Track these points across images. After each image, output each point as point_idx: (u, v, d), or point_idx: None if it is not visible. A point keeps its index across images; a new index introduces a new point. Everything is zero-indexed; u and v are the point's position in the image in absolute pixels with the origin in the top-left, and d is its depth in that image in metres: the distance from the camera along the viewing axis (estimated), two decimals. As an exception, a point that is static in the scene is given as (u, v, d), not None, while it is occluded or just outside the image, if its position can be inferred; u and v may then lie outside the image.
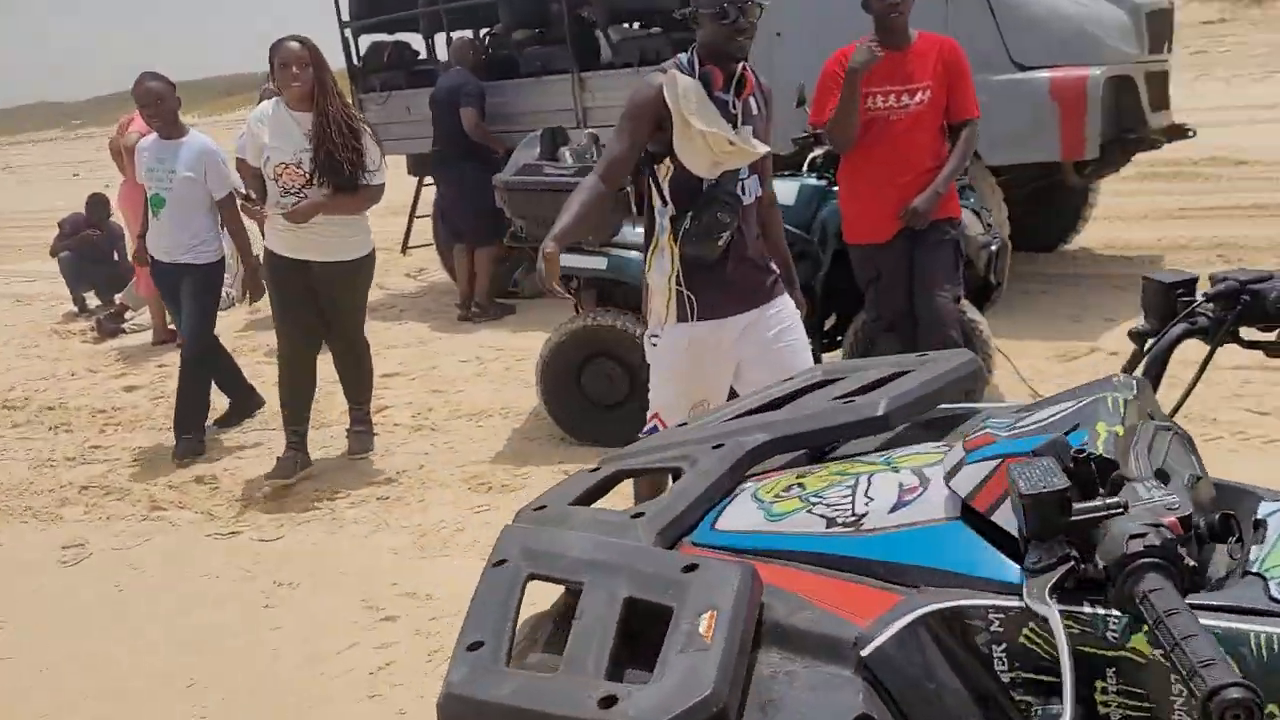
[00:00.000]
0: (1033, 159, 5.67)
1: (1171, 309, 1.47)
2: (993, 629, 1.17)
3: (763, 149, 3.02)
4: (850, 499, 1.39)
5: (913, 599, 1.21)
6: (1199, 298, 1.45)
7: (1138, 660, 1.10)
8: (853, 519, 1.35)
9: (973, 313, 4.48)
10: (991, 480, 1.23)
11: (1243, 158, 9.80)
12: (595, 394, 4.86)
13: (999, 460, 1.23)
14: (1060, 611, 1.14)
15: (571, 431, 4.92)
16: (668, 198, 3.02)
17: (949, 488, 1.31)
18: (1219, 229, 7.53)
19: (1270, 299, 1.38)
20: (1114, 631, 1.12)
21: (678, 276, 3.02)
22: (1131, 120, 5.75)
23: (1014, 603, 1.17)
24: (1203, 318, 1.41)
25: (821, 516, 1.39)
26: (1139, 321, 1.56)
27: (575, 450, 4.86)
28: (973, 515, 1.27)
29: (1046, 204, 6.68)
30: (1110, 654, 1.12)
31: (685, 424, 1.89)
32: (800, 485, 1.49)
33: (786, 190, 4.76)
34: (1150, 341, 1.48)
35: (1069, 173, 6.11)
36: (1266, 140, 10.63)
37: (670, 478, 1.80)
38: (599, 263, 4.73)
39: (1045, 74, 5.51)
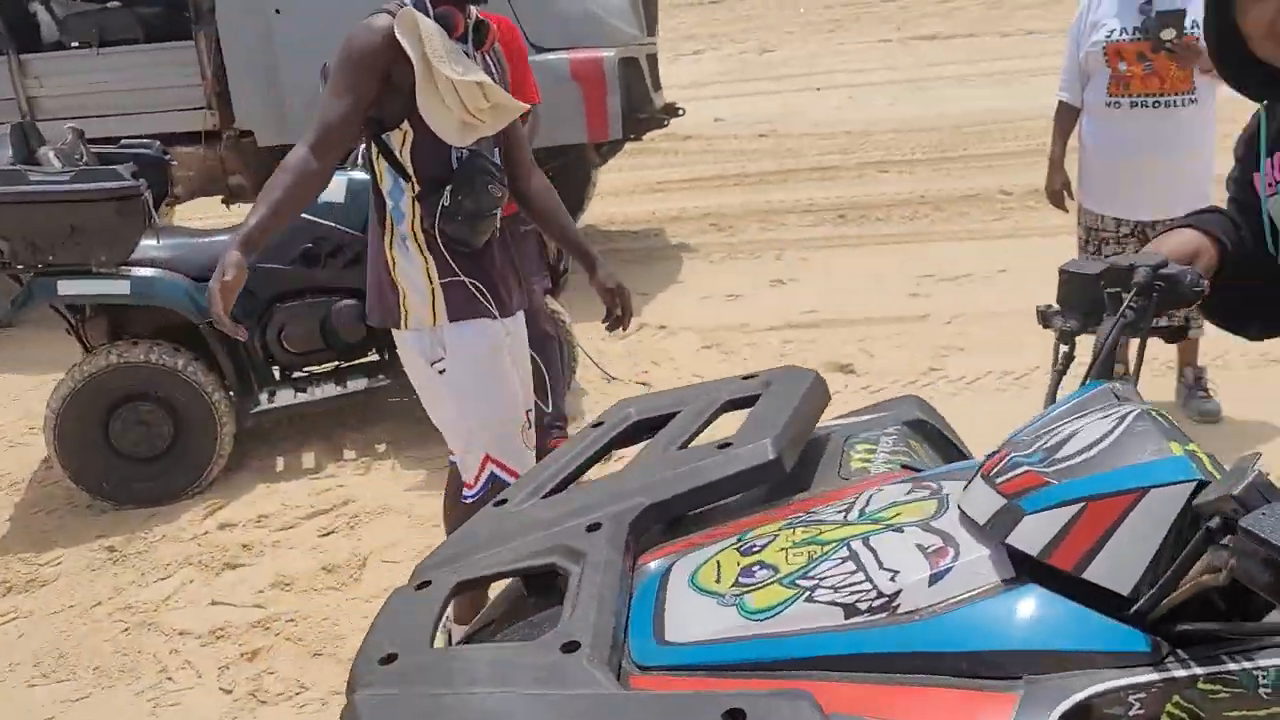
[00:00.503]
0: (560, 141, 5.63)
1: (1098, 301, 1.38)
2: (1133, 713, 0.97)
3: (523, 106, 2.48)
4: (861, 576, 1.11)
5: (1036, 694, 0.98)
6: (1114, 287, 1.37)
7: (1293, 711, 0.97)
8: (882, 601, 1.08)
9: (554, 304, 4.33)
10: (1075, 530, 1.03)
11: (687, 133, 10.74)
12: (130, 447, 3.99)
13: (1079, 505, 1.03)
14: (1205, 676, 0.97)
15: (104, 495, 4.01)
16: (410, 173, 2.40)
17: (1000, 544, 1.09)
18: (699, 199, 8.16)
19: (1185, 283, 1.33)
20: (1266, 687, 0.97)
21: (439, 266, 2.42)
22: (639, 100, 5.95)
23: (1156, 676, 0.98)
24: (1129, 309, 1.33)
25: (833, 604, 1.10)
26: (1060, 320, 1.45)
27: (114, 519, 3.96)
28: (1041, 573, 1.07)
29: (558, 185, 6.72)
30: (1263, 713, 0.98)
31: (504, 501, 1.48)
32: (766, 566, 1.18)
33: (334, 186, 4.24)
34: (1099, 339, 1.36)
35: (591, 154, 6.20)
36: (698, 116, 11.77)
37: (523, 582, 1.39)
38: (120, 287, 3.86)
39: (564, 55, 5.49)
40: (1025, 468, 1.11)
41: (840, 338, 5.18)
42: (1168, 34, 3.62)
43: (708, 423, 1.57)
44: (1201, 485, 1.00)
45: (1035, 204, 7.21)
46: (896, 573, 1.11)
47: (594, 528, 1.32)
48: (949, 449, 1.61)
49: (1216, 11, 1.44)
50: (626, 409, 1.66)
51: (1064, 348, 1.38)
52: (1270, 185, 1.48)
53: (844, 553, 1.16)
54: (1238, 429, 3.99)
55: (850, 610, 1.10)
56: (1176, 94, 3.72)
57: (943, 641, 1.05)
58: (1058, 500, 1.06)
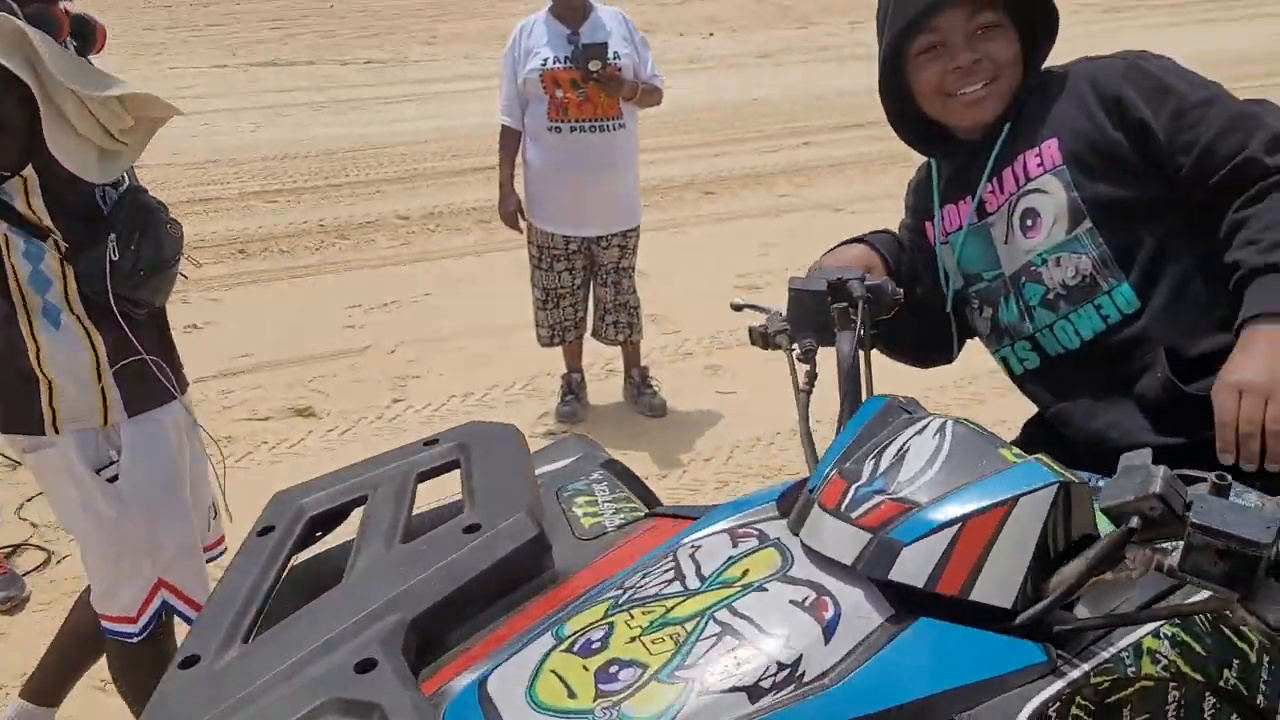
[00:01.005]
0: None
1: (826, 317, 1.37)
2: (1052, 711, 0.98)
3: (173, 108, 1.87)
4: (750, 649, 1.00)
5: None
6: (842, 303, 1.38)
7: (1147, 685, 1.05)
8: (785, 673, 0.98)
9: None
10: (957, 553, 1.02)
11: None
12: None
13: (956, 526, 1.02)
14: (1092, 670, 1.02)
15: None
16: (49, 227, 1.74)
17: (870, 581, 1.04)
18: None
19: (888, 293, 1.38)
20: (1132, 665, 1.04)
21: (112, 344, 1.81)
22: None
23: (1062, 684, 1.00)
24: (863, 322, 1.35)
25: (734, 690, 0.98)
26: (786, 338, 1.42)
27: None
28: (921, 603, 1.03)
29: None
30: (1131, 691, 1.04)
31: (195, 659, 1.10)
32: (626, 664, 1.01)
33: None
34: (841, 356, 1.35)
35: None
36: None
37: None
38: None
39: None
40: (878, 497, 1.07)
41: (286, 380, 4.81)
42: (594, 65, 3.87)
43: (412, 504, 1.32)
44: (1063, 486, 1.04)
45: (435, 227, 7.38)
46: (787, 637, 1.00)
47: (366, 666, 1.03)
48: (641, 487, 1.52)
49: (890, 72, 1.52)
50: (294, 504, 1.33)
51: (805, 367, 1.37)
52: (943, 234, 1.59)
53: (714, 628, 1.02)
54: (681, 418, 4.41)
55: (755, 692, 0.97)
56: (608, 119, 4.00)
57: (867, 702, 0.97)
58: (933, 525, 1.03)
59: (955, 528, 1.02)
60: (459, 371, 4.90)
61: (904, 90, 1.53)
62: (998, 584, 1.02)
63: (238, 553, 1.27)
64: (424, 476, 1.38)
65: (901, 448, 1.11)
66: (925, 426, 1.13)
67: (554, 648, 1.06)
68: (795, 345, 1.40)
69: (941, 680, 0.98)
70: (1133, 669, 1.04)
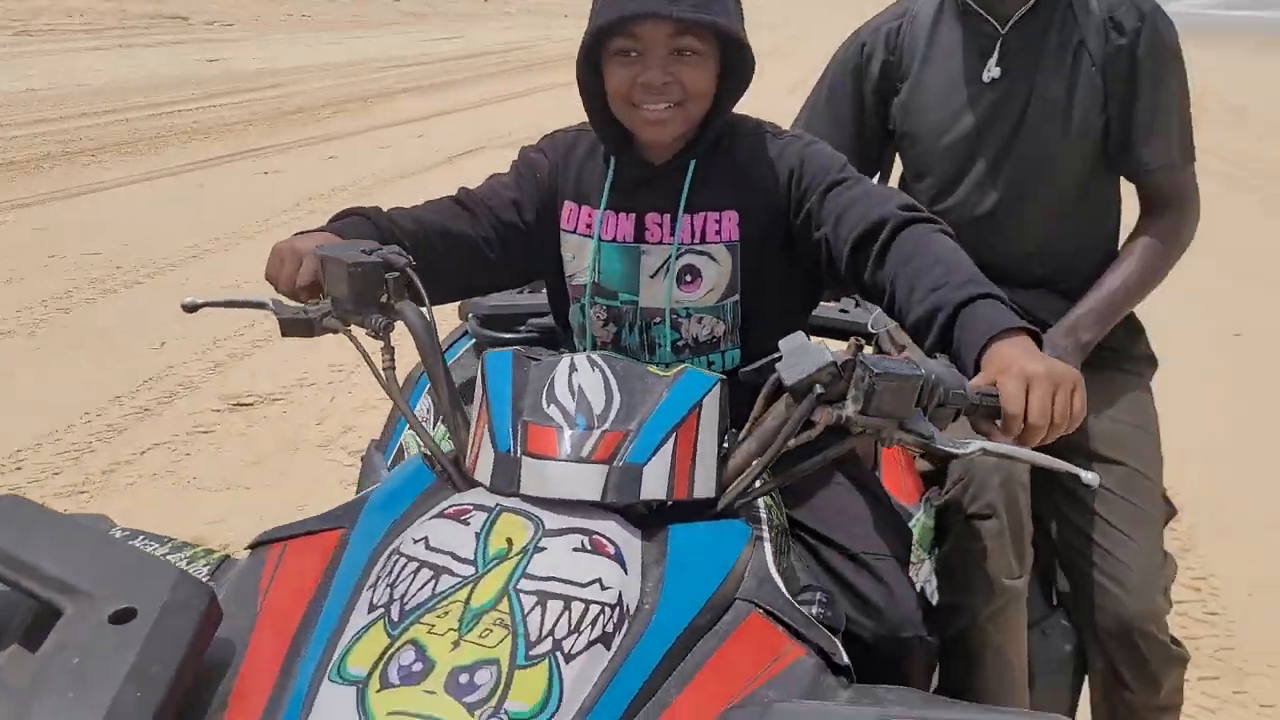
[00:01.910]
0: None
1: (382, 290, 1.24)
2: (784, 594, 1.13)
3: None
4: (578, 605, 0.99)
5: (789, 612, 1.07)
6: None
7: (775, 535, 1.27)
8: (618, 611, 1.02)
9: None
10: (678, 461, 1.14)
11: None
12: None
13: (671, 437, 1.13)
14: (771, 536, 1.21)
15: None
16: None
17: (613, 510, 1.07)
18: None
19: (399, 260, 1.32)
20: (771, 520, 1.27)
21: None
22: None
23: (770, 550, 1.17)
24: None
25: (590, 646, 0.98)
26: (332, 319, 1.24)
27: None
28: (659, 514, 1.10)
29: None
30: (777, 541, 1.25)
31: None
32: (474, 666, 0.93)
33: None
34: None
35: None
36: None
37: None
38: None
39: None
40: (594, 432, 1.08)
41: None
42: None
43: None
44: (722, 382, 1.17)
45: None
46: (599, 580, 0.97)
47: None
48: None
49: (586, 62, 1.46)
50: None
51: (379, 343, 1.25)
52: (586, 227, 1.53)
53: (531, 598, 0.93)
54: None
55: (605, 639, 0.94)
56: None
57: (687, 610, 1.00)
58: (656, 442, 1.08)
59: (672, 439, 1.10)
60: None
61: (598, 84, 1.48)
62: (705, 479, 1.13)
63: None
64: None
65: (571, 387, 1.13)
66: (574, 365, 1.16)
67: (362, 692, 0.86)
68: (353, 326, 1.27)
69: (718, 570, 1.06)
70: (773, 522, 1.25)
